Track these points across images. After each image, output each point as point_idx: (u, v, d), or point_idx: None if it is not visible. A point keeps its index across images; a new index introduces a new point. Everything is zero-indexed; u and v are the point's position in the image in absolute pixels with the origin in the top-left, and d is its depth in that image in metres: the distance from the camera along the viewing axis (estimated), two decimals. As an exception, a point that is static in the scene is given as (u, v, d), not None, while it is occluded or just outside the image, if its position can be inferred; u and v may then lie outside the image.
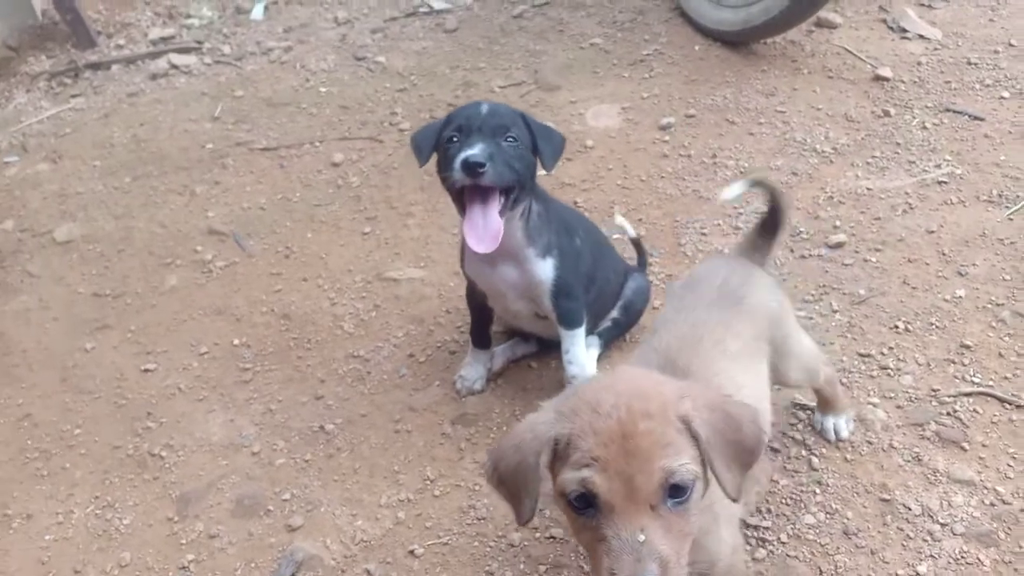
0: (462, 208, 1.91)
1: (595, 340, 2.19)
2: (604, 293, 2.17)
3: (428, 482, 2.02)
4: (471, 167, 1.82)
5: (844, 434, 1.92)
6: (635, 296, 2.23)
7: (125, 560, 1.96)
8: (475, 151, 1.83)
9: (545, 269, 2.00)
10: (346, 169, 3.22)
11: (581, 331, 2.06)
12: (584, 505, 1.15)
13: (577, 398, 1.21)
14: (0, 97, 4.14)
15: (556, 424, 1.20)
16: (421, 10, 4.33)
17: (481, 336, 2.22)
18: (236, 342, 2.53)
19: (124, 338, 2.61)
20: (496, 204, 1.87)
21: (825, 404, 1.92)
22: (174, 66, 4.22)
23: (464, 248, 2.05)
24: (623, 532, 1.11)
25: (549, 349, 2.28)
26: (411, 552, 1.87)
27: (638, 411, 1.14)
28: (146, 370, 2.48)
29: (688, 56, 3.51)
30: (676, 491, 1.14)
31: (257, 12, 4.64)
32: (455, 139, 1.90)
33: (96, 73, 4.25)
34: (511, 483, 1.25)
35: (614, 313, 2.22)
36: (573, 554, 1.81)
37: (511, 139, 1.90)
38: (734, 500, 1.21)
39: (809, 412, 1.98)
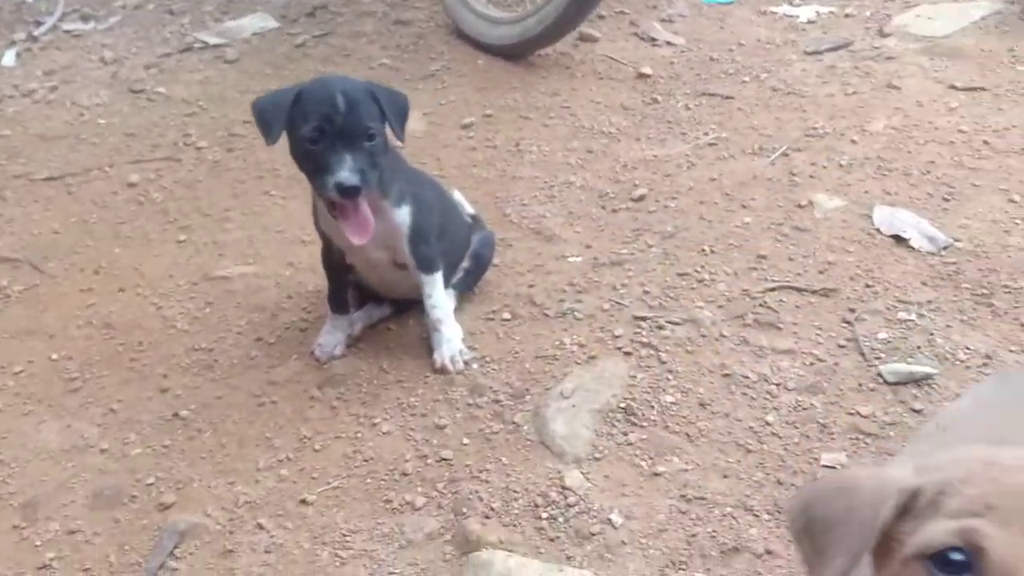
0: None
1: (451, 292, 2.28)
2: (455, 244, 2.28)
3: (305, 440, 1.99)
4: (347, 191, 1.83)
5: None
6: (482, 248, 2.36)
7: (-33, 576, 1.74)
8: (346, 174, 1.81)
9: (402, 215, 2.07)
10: (145, 188, 3.09)
11: (439, 276, 2.15)
12: (953, 572, 0.83)
13: (953, 457, 0.93)
14: None
15: (916, 476, 0.90)
16: (195, 46, 4.27)
17: (339, 301, 2.23)
18: (55, 356, 2.34)
19: (-87, 371, 2.32)
20: (365, 200, 1.92)
21: None
22: (-85, 111, 3.82)
23: (316, 205, 2.08)
24: None
25: (404, 311, 2.35)
26: (302, 501, 1.83)
27: None
28: (-51, 396, 2.22)
29: (474, 69, 3.77)
30: None
31: (8, 59, 4.32)
32: (317, 142, 1.85)
33: None
34: (822, 535, 0.92)
35: (465, 263, 2.33)
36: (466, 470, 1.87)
37: (371, 136, 1.89)
38: None
39: (648, 320, 2.20)
